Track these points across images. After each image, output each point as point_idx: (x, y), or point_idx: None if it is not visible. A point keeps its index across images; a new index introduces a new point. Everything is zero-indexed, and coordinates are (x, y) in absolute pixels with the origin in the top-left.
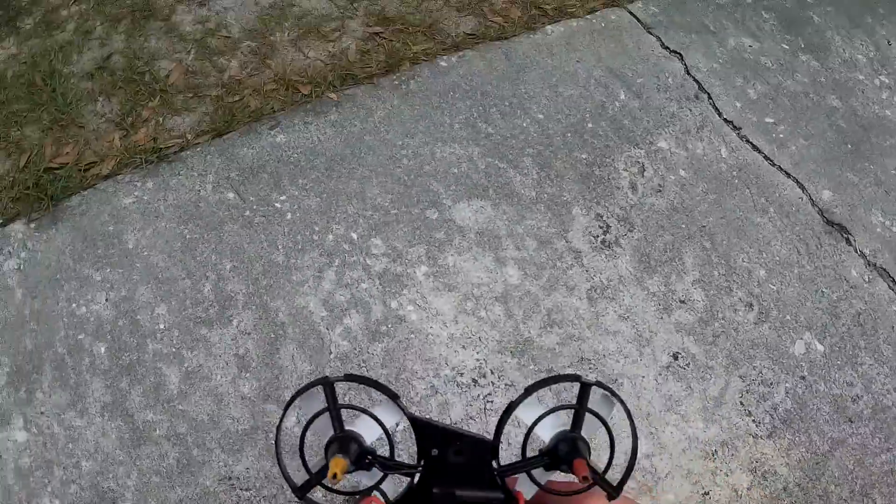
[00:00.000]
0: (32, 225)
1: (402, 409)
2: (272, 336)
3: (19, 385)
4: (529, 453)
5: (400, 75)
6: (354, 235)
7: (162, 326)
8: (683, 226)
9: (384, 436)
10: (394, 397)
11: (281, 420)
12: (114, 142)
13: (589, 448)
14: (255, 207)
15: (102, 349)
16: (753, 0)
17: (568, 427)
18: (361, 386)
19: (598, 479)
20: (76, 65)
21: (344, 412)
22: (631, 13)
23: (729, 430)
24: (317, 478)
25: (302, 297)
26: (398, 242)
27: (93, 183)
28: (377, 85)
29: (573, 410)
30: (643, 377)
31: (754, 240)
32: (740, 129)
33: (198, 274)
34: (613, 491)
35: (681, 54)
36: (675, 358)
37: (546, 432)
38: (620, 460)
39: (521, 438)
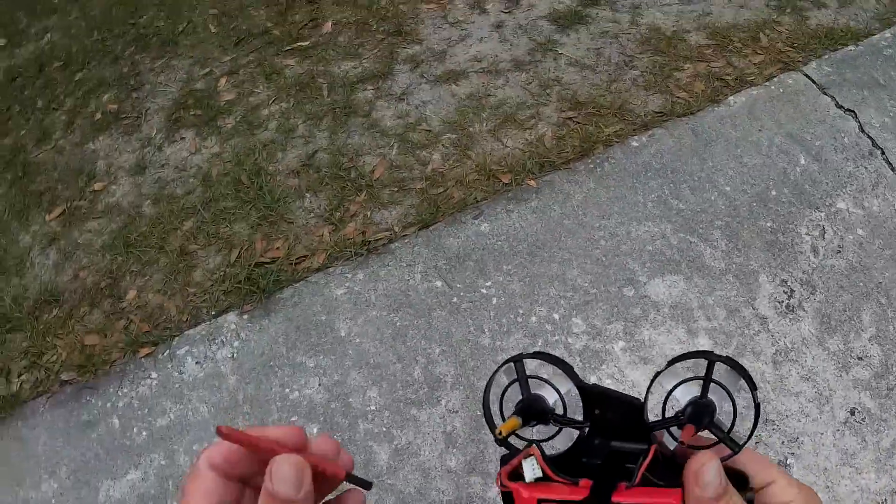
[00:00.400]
0: (245, 316)
1: (574, 378)
2: (478, 413)
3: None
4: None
5: (594, 158)
6: (556, 316)
7: (373, 408)
8: (861, 284)
9: (559, 400)
10: (568, 368)
11: (489, 384)
12: (323, 236)
13: (712, 412)
14: (461, 294)
15: (315, 430)
16: None
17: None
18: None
19: (723, 435)
20: (281, 162)
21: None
22: (806, 75)
23: None
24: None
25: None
26: (597, 320)
27: (304, 276)
28: (573, 169)
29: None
30: (822, 434)
31: None
32: None
33: (408, 358)
34: (736, 447)
35: (854, 112)
36: (852, 413)
37: (684, 399)
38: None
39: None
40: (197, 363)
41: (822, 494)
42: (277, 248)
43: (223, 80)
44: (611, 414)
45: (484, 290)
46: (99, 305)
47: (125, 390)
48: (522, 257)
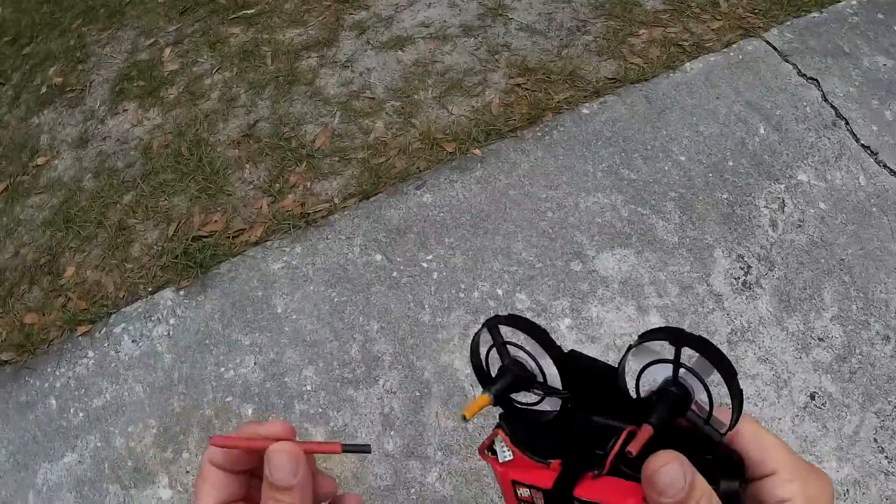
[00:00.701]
0: (181, 293)
1: (550, 346)
2: (417, 394)
3: (166, 445)
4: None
5: (543, 126)
6: (500, 291)
7: (309, 388)
8: (823, 260)
9: (536, 368)
10: (543, 334)
11: (473, 347)
12: (262, 208)
13: (686, 398)
14: (402, 268)
15: (249, 411)
16: (885, 16)
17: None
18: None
19: (701, 423)
20: (222, 133)
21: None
22: (767, 42)
23: (861, 469)
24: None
25: (447, 354)
26: (542, 296)
27: (241, 250)
28: (520, 137)
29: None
30: (780, 419)
31: (892, 269)
32: (877, 153)
33: (345, 335)
34: (717, 435)
35: (817, 80)
36: (812, 398)
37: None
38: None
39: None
40: (133, 341)
41: None
42: (215, 222)
43: (167, 51)
44: (591, 385)
45: (425, 264)
46: (38, 283)
47: (62, 370)
48: (465, 229)
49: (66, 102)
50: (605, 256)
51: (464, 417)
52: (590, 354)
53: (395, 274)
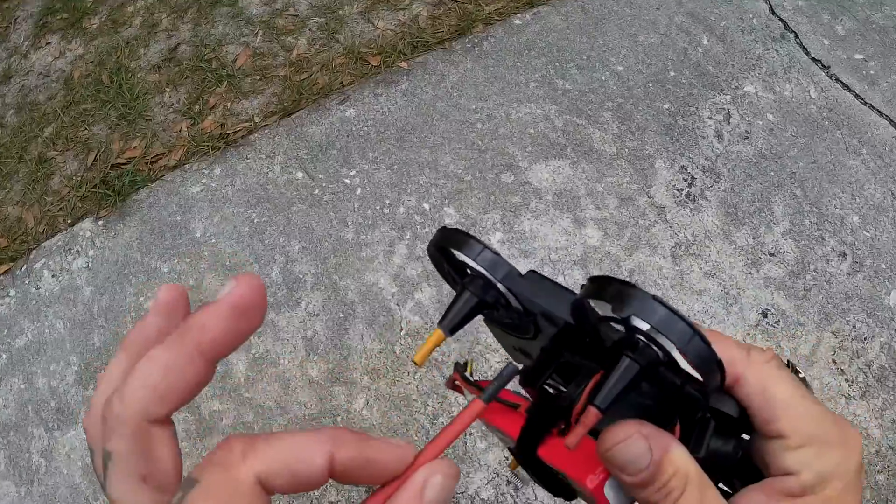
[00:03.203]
0: (100, 223)
1: (498, 266)
2: (341, 316)
3: (87, 383)
4: None
5: (472, 38)
6: (427, 206)
7: None
8: (772, 173)
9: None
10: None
11: (437, 267)
12: (181, 132)
13: (649, 361)
14: (324, 185)
15: None
16: None
17: None
18: None
19: (683, 381)
20: (143, 59)
21: None
22: None
23: (819, 392)
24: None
25: (372, 273)
26: (472, 210)
27: (160, 175)
28: (449, 49)
29: None
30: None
31: (847, 183)
32: (829, 67)
33: (266, 257)
34: (702, 398)
35: None
36: (765, 315)
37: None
38: None
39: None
40: (53, 276)
41: None
42: (134, 148)
43: None
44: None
45: (348, 181)
46: None
47: None
48: (390, 143)
49: None
50: (538, 168)
51: (415, 362)
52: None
53: (316, 191)
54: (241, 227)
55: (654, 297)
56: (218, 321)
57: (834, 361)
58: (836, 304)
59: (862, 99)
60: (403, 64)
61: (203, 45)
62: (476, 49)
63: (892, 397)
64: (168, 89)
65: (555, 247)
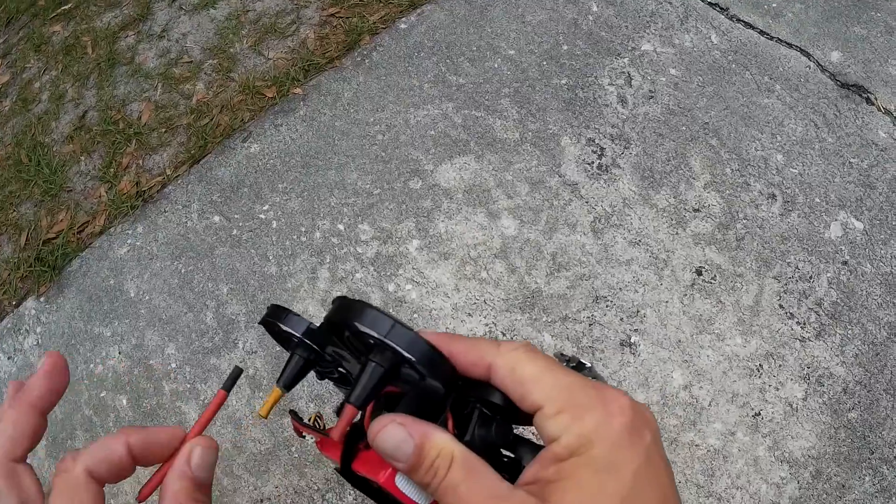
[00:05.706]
0: (42, 299)
1: (296, 325)
2: (277, 350)
3: (57, 455)
4: None
5: (361, 51)
6: (341, 227)
7: (174, 365)
8: (684, 128)
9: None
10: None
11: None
12: (101, 197)
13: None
14: (240, 224)
15: (124, 401)
16: None
17: None
18: None
19: (422, 377)
20: (56, 132)
21: None
22: None
23: (771, 340)
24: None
25: (300, 302)
26: (385, 222)
27: (89, 243)
28: (340, 67)
29: None
30: (666, 302)
31: (765, 124)
32: (727, 9)
33: (198, 305)
34: (441, 388)
35: None
36: (699, 273)
37: None
38: None
39: None
40: (9, 358)
41: (681, 370)
42: (61, 221)
43: None
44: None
45: (262, 216)
46: None
47: None
48: (297, 171)
49: None
50: (444, 168)
51: (261, 416)
52: (444, 275)
53: (235, 232)
54: (171, 279)
55: (377, 309)
56: (40, 383)
57: (781, 307)
58: (773, 248)
59: (767, 34)
60: (298, 90)
61: (108, 107)
62: (366, 61)
63: (850, 332)
64: (83, 157)
65: (473, 244)
